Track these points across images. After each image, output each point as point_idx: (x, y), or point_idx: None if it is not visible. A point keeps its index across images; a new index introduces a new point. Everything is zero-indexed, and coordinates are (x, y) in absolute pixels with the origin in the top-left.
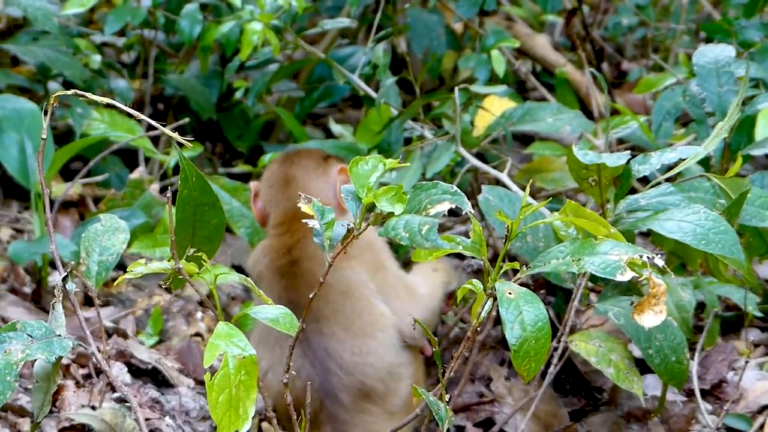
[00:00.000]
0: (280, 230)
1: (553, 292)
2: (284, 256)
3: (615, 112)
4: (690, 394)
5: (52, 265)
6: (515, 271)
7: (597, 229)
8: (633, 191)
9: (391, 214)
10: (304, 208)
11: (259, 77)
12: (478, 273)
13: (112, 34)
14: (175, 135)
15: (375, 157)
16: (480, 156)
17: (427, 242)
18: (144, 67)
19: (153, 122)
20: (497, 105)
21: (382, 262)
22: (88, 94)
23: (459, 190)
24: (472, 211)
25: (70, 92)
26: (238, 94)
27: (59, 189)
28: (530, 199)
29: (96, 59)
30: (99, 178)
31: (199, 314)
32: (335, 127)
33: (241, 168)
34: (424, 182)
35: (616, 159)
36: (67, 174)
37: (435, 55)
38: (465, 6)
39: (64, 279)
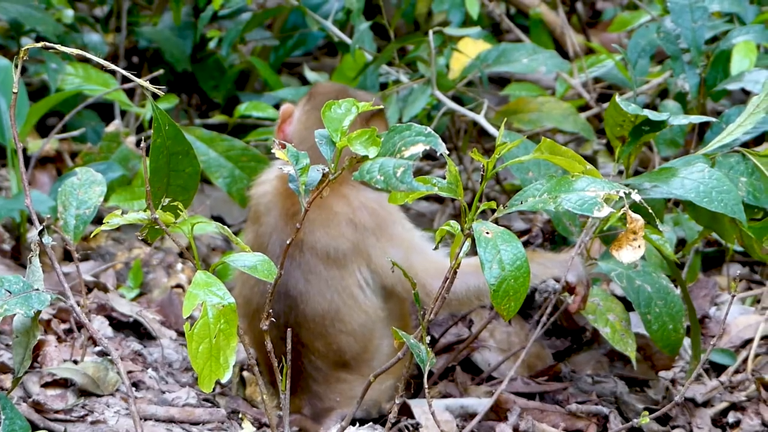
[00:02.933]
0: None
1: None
2: (292, 203)
3: (590, 51)
4: None
5: (31, 222)
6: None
7: (573, 166)
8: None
9: (365, 158)
10: (278, 153)
11: (233, 27)
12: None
13: None
14: (148, 85)
15: (348, 100)
16: (456, 99)
17: (403, 184)
18: (117, 20)
19: (127, 73)
20: (472, 47)
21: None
22: (61, 47)
23: (433, 132)
24: (447, 153)
25: (41, 45)
26: (212, 45)
27: (35, 145)
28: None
29: (68, 14)
30: (75, 132)
31: (179, 266)
32: (310, 75)
33: (217, 118)
34: (398, 125)
35: (658, 115)
36: (43, 130)
37: (415, 3)
38: None
39: (41, 233)
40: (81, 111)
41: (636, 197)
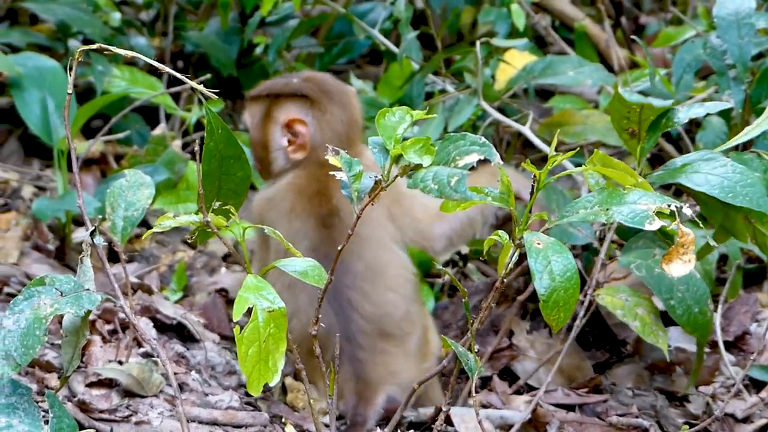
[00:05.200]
0: (318, 172)
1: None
2: (325, 204)
3: (634, 65)
4: (713, 345)
5: (76, 222)
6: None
7: (625, 179)
8: (660, 159)
9: (419, 166)
10: (331, 160)
11: (280, 33)
12: (501, 226)
13: None
14: (201, 87)
15: (401, 108)
16: (501, 110)
17: (457, 193)
18: (164, 24)
19: (180, 76)
20: (518, 59)
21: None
22: (115, 48)
23: (487, 142)
24: (501, 162)
25: (95, 47)
26: (258, 51)
27: (81, 146)
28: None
29: (116, 17)
30: (120, 135)
31: (223, 270)
32: (356, 83)
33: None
34: (452, 134)
35: (662, 102)
36: (88, 132)
37: (456, 9)
38: None
39: (92, 234)
40: (126, 113)
41: (687, 211)
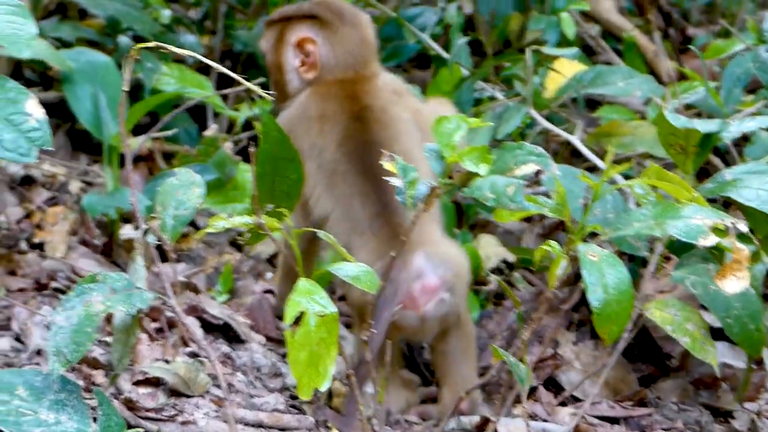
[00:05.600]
0: (338, 85)
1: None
2: (356, 103)
3: (682, 77)
4: (759, 362)
5: (124, 219)
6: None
7: (680, 193)
8: (707, 172)
9: (475, 174)
10: (387, 165)
11: None
12: (547, 236)
13: None
14: (258, 89)
15: (457, 115)
16: (549, 118)
17: (513, 203)
18: (213, 22)
19: (234, 75)
20: (567, 67)
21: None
22: (167, 46)
23: (545, 152)
24: (558, 173)
25: (149, 45)
26: None
27: (131, 143)
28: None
29: (165, 14)
30: (168, 132)
31: (269, 275)
32: None
33: None
34: (509, 142)
35: (707, 125)
36: (135, 128)
37: (507, 17)
38: None
39: (145, 232)
40: (172, 110)
41: (743, 227)
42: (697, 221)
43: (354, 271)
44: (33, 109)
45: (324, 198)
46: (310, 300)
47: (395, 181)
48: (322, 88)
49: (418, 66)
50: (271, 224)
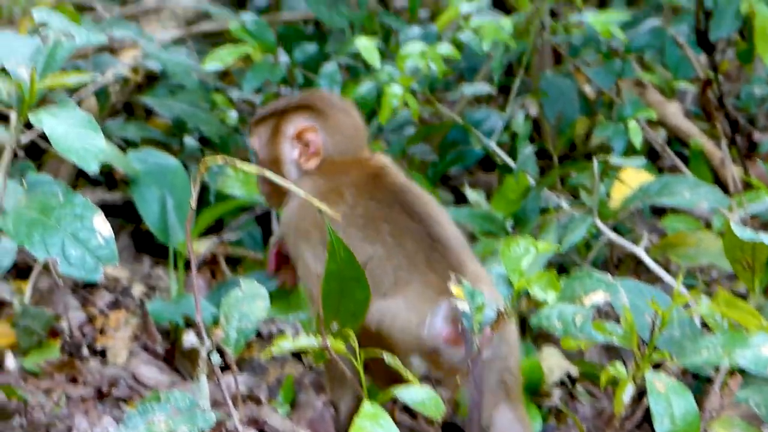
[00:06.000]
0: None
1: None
2: (367, 167)
3: (749, 185)
4: None
5: (188, 325)
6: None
7: (748, 321)
8: None
9: (543, 302)
10: (454, 288)
11: (396, 141)
12: (611, 349)
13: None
14: (323, 206)
15: (526, 239)
16: (615, 227)
17: (581, 334)
18: None
19: (300, 192)
20: (633, 176)
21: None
22: (239, 163)
23: (614, 281)
24: (627, 303)
25: (222, 160)
26: None
27: (197, 246)
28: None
29: (232, 115)
30: (232, 236)
31: None
32: (470, 194)
33: None
34: (579, 271)
35: None
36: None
37: (574, 123)
38: (603, 75)
39: (209, 353)
40: (238, 214)
41: None
42: (765, 352)
43: (419, 395)
44: (100, 225)
45: (361, 245)
46: (375, 424)
47: (462, 305)
48: (326, 172)
49: (483, 168)
50: (338, 348)
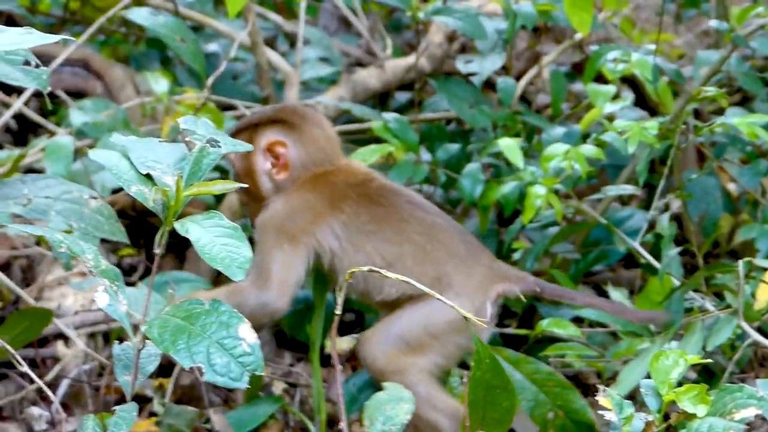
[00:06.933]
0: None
1: None
2: (351, 175)
3: None
4: None
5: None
6: None
7: None
8: None
9: (692, 415)
10: (602, 400)
11: (540, 240)
12: None
13: None
14: (464, 312)
15: (675, 351)
16: (760, 329)
17: None
18: None
19: (437, 296)
20: None
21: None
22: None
23: (766, 396)
24: None
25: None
26: (516, 256)
27: (338, 344)
28: None
29: None
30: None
31: None
32: (614, 294)
33: (514, 330)
34: (728, 384)
35: None
36: (340, 326)
37: (718, 222)
38: (747, 174)
39: None
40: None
41: None
42: None
43: None
44: (245, 333)
45: (384, 247)
46: None
47: (610, 416)
48: (306, 182)
49: (625, 266)
50: None
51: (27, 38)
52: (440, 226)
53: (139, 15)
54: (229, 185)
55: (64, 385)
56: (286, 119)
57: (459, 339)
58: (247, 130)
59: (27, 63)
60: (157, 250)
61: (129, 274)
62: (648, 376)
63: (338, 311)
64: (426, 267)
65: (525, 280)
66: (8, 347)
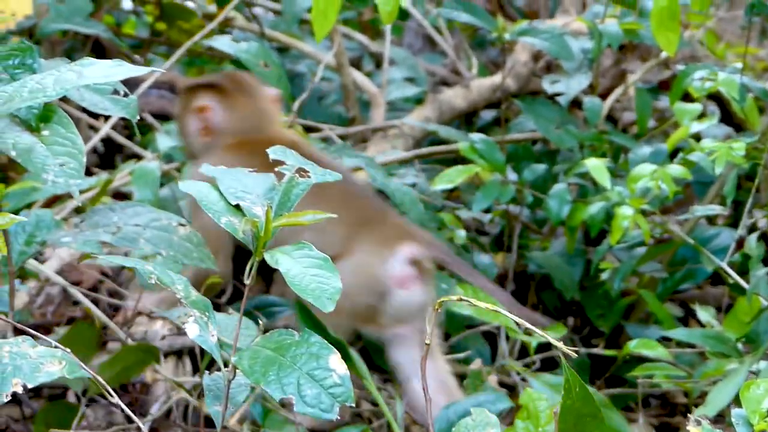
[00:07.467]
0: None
1: None
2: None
3: None
4: None
5: None
6: None
7: None
8: None
9: None
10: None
11: (627, 260)
12: None
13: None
14: (560, 345)
15: (766, 381)
16: None
17: None
18: (508, 241)
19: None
20: None
21: None
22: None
23: None
24: None
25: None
26: (603, 276)
27: None
28: None
29: (461, 234)
30: (461, 355)
31: None
32: (702, 314)
33: (602, 351)
34: None
35: None
36: None
37: None
38: None
39: None
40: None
41: None
42: None
43: None
44: (335, 364)
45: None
46: None
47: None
48: (230, 147)
49: (712, 283)
50: None
51: (118, 70)
52: (355, 194)
53: (222, 43)
54: (319, 215)
55: (153, 411)
56: (221, 85)
57: (368, 298)
58: (187, 91)
59: (116, 92)
60: (247, 281)
61: (218, 295)
62: (738, 403)
63: (428, 340)
64: (340, 227)
65: (435, 246)
66: (100, 380)
